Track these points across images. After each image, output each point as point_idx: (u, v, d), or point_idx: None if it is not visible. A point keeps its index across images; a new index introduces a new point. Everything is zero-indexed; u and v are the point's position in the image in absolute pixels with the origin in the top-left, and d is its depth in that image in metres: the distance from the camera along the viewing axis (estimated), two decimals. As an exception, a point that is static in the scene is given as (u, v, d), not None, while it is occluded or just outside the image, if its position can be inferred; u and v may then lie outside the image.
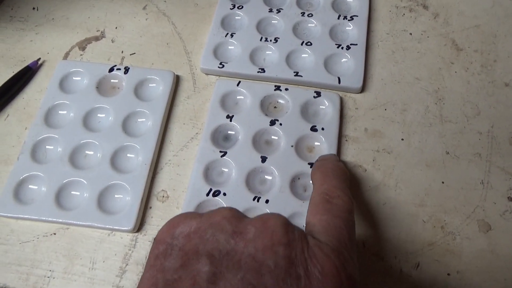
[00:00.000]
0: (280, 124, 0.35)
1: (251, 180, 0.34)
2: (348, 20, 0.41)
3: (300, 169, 0.34)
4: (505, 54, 0.40)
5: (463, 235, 0.32)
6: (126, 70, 0.38)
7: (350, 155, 0.35)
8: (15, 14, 0.43)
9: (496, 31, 0.41)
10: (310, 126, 0.35)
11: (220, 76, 0.39)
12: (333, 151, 0.34)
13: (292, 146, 0.34)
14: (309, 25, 0.41)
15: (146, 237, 0.32)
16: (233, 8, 0.42)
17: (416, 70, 0.39)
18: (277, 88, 0.37)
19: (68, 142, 0.35)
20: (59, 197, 0.33)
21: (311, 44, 0.39)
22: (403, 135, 0.36)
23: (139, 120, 0.36)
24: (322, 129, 0.35)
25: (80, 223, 0.32)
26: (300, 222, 0.31)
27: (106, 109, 0.37)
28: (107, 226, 0.32)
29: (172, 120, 0.37)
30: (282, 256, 0.20)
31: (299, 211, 0.32)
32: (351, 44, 0.39)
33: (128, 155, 0.35)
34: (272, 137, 0.35)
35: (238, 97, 0.37)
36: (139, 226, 0.33)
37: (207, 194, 0.33)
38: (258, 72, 0.38)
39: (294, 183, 0.33)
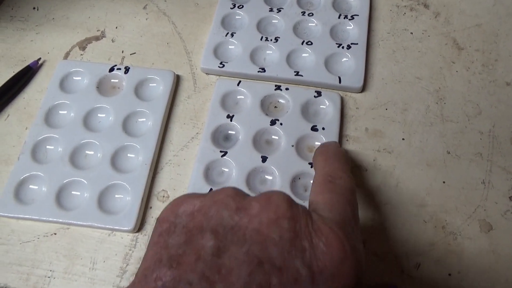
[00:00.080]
0: (281, 124, 0.35)
1: (252, 180, 0.33)
2: (349, 20, 0.41)
3: (300, 169, 0.33)
4: (506, 53, 0.40)
5: (464, 235, 0.32)
6: (127, 70, 0.38)
7: (350, 155, 0.35)
8: (15, 14, 0.43)
9: (497, 30, 0.41)
10: (311, 125, 0.35)
11: (220, 75, 0.39)
12: (334, 151, 0.34)
13: (292, 146, 0.34)
14: (309, 24, 0.41)
15: (146, 237, 0.32)
16: (233, 8, 0.42)
17: (417, 69, 0.39)
18: (278, 87, 0.37)
19: (69, 142, 0.35)
20: (60, 197, 0.33)
21: (311, 43, 0.39)
22: (404, 134, 0.36)
23: (139, 120, 0.36)
24: (323, 128, 0.35)
25: (81, 223, 0.32)
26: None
27: (106, 109, 0.37)
28: (108, 226, 0.32)
29: (172, 120, 0.37)
30: (287, 229, 0.20)
31: (299, 211, 0.32)
32: (351, 44, 0.39)
33: (128, 155, 0.35)
34: (273, 137, 0.35)
35: (238, 97, 0.37)
36: (140, 226, 0.33)
37: (208, 194, 0.33)
38: (258, 71, 0.38)
39: (294, 183, 0.33)
